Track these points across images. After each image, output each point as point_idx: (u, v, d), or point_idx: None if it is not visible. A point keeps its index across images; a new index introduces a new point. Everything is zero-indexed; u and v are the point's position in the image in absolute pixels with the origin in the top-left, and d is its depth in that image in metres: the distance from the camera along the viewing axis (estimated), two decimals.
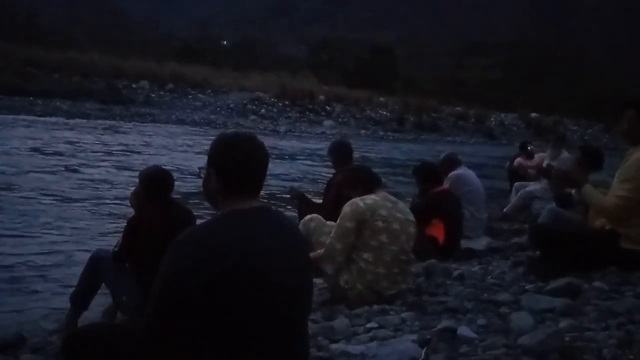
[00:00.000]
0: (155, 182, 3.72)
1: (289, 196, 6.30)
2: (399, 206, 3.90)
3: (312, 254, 3.76)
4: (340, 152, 5.57)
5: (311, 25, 69.58)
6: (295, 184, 6.55)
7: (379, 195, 3.88)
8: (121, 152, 14.12)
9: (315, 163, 14.97)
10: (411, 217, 3.93)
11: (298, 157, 16.25)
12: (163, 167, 4.03)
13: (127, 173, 10.38)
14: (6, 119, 18.89)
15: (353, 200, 3.84)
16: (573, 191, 4.56)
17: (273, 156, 13.31)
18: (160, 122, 23.86)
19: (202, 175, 2.00)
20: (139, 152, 14.40)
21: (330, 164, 5.88)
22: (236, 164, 1.92)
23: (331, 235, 3.82)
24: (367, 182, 4.03)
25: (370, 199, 3.81)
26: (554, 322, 2.86)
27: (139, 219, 3.69)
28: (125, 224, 3.77)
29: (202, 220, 2.14)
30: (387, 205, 3.81)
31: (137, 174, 3.98)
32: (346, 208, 3.80)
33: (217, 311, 1.75)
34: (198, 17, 63.91)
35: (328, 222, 4.16)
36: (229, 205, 1.91)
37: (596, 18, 70.56)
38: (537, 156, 8.95)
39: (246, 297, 1.77)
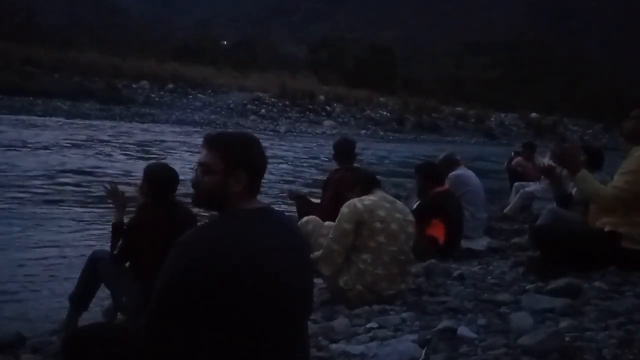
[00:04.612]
0: (161, 180, 3.68)
1: (288, 198, 6.31)
2: (397, 206, 3.88)
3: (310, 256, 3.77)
4: (339, 150, 5.59)
5: (311, 25, 69.53)
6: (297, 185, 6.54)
7: (377, 195, 3.86)
8: (116, 152, 14.13)
9: (314, 163, 14.97)
10: (410, 217, 3.92)
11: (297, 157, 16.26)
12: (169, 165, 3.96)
13: (125, 172, 10.38)
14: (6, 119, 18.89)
15: (351, 201, 3.82)
16: (573, 191, 4.56)
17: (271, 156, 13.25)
18: (161, 122, 23.87)
19: (197, 174, 1.96)
20: (132, 152, 14.41)
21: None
22: (262, 165, 1.95)
23: (329, 236, 3.80)
24: (364, 182, 4.01)
25: (368, 199, 3.79)
26: (554, 322, 2.86)
27: (141, 220, 3.68)
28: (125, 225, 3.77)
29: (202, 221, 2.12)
30: (385, 205, 3.79)
31: (129, 174, 3.96)
32: (344, 209, 3.78)
33: (219, 311, 1.76)
34: (198, 17, 63.93)
35: (326, 223, 4.15)
36: (237, 206, 1.90)
37: (596, 18, 70.54)
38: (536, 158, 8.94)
39: (248, 297, 1.77)
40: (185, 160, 12.02)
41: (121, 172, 10.44)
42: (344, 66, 43.95)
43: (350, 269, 3.77)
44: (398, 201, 4.02)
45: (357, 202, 3.77)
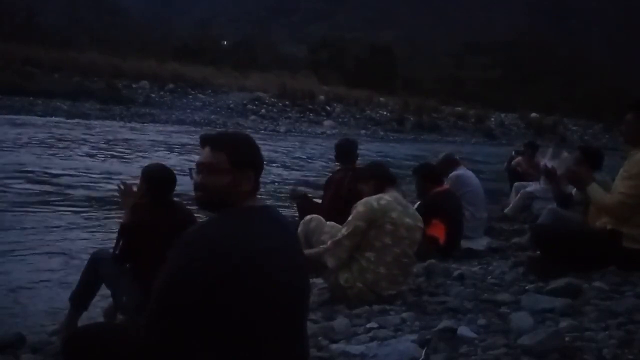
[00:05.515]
0: (159, 180, 3.68)
1: (290, 197, 6.31)
2: (409, 210, 3.89)
3: (314, 250, 3.79)
4: (340, 150, 5.60)
5: (311, 25, 69.51)
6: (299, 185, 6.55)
7: (392, 195, 3.87)
8: (117, 153, 14.12)
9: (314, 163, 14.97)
10: (420, 224, 3.93)
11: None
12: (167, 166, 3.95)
13: (122, 172, 10.37)
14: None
15: (367, 199, 3.83)
16: (573, 191, 4.56)
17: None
18: (160, 123, 23.87)
19: (194, 175, 1.95)
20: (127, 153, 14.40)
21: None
22: (262, 163, 1.98)
23: (342, 231, 3.79)
24: (379, 178, 4.00)
25: (384, 199, 3.80)
26: (554, 322, 2.86)
27: (140, 220, 3.67)
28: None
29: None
30: (397, 208, 3.79)
31: (126, 176, 3.94)
32: (360, 207, 3.78)
33: (219, 311, 1.76)
34: (198, 17, 63.93)
35: (328, 222, 4.15)
36: (242, 205, 1.90)
37: (596, 18, 70.53)
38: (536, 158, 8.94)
39: (248, 297, 1.77)
40: (160, 158, 11.89)
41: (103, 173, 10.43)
42: (344, 66, 43.93)
43: (352, 267, 3.78)
44: (410, 205, 4.01)
45: (374, 202, 3.78)
